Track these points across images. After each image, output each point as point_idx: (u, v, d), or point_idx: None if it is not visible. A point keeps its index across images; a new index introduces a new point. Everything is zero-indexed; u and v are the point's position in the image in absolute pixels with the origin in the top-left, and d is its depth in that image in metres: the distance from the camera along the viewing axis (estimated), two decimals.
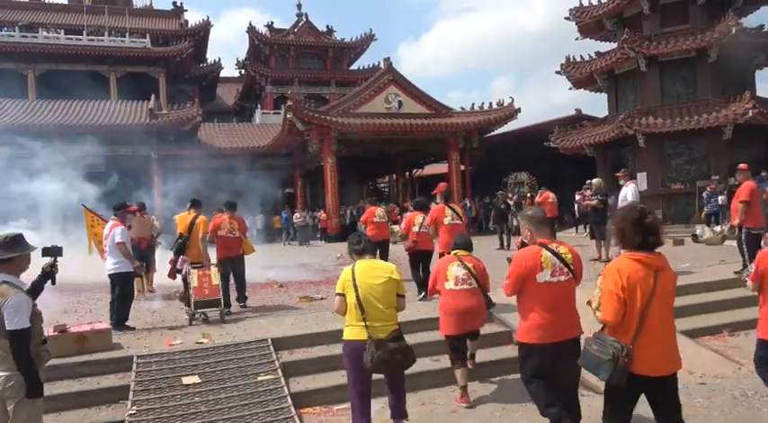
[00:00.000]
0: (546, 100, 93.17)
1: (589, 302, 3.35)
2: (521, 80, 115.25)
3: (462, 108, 25.24)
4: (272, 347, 5.65)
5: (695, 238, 13.77)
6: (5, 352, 3.42)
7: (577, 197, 15.94)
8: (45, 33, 31.31)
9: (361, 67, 37.58)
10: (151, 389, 4.94)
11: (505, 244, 15.45)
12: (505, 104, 24.09)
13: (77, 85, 27.27)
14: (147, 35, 34.11)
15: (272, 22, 37.58)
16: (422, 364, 5.62)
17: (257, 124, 32.93)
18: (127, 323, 6.78)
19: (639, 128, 17.93)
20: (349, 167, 26.30)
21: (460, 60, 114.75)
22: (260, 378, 5.16)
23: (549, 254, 3.69)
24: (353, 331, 3.98)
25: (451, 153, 24.26)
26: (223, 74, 39.69)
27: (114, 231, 6.88)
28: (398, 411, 4.13)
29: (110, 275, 6.92)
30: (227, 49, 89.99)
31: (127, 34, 33.34)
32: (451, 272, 4.98)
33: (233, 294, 8.13)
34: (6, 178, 14.17)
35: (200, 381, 5.07)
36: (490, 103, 24.65)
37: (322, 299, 8.42)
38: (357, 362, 3.92)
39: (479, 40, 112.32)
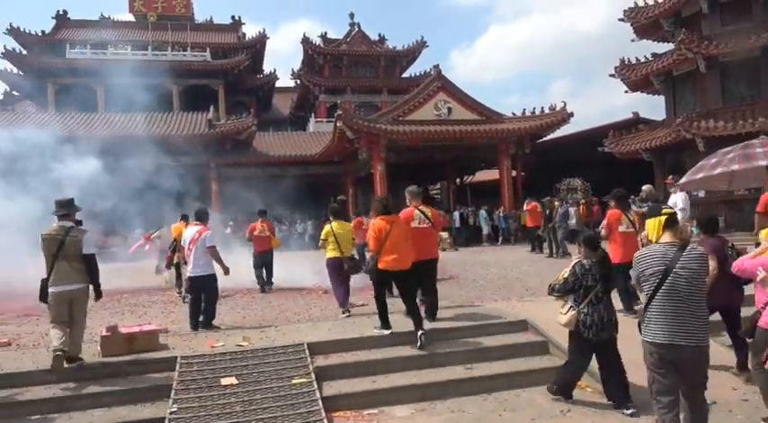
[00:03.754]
0: (608, 102, 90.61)
1: None
2: (582, 83, 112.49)
3: (514, 114, 24.96)
4: (307, 352, 5.82)
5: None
6: (80, 271, 5.53)
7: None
8: (113, 50, 33.20)
9: (412, 75, 37.74)
10: (192, 388, 5.20)
11: (554, 251, 15.01)
12: (558, 109, 23.65)
13: (143, 98, 28.74)
14: (208, 49, 35.64)
15: (326, 33, 38.33)
16: (454, 372, 5.71)
17: (310, 133, 33.60)
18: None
19: (698, 131, 17.23)
20: (401, 174, 26.40)
21: (516, 64, 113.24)
22: (294, 381, 5.33)
23: (417, 211, 6.70)
24: (333, 253, 7.72)
25: (503, 159, 23.99)
26: (279, 84, 40.84)
27: (204, 236, 7.23)
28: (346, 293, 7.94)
29: (193, 278, 7.27)
30: (283, 60, 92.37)
31: (188, 48, 34.95)
32: None
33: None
34: (79, 189, 15.11)
35: (237, 382, 5.30)
36: (542, 108, 24.26)
37: (363, 304, 8.53)
38: (335, 268, 7.71)
39: (536, 42, 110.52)
